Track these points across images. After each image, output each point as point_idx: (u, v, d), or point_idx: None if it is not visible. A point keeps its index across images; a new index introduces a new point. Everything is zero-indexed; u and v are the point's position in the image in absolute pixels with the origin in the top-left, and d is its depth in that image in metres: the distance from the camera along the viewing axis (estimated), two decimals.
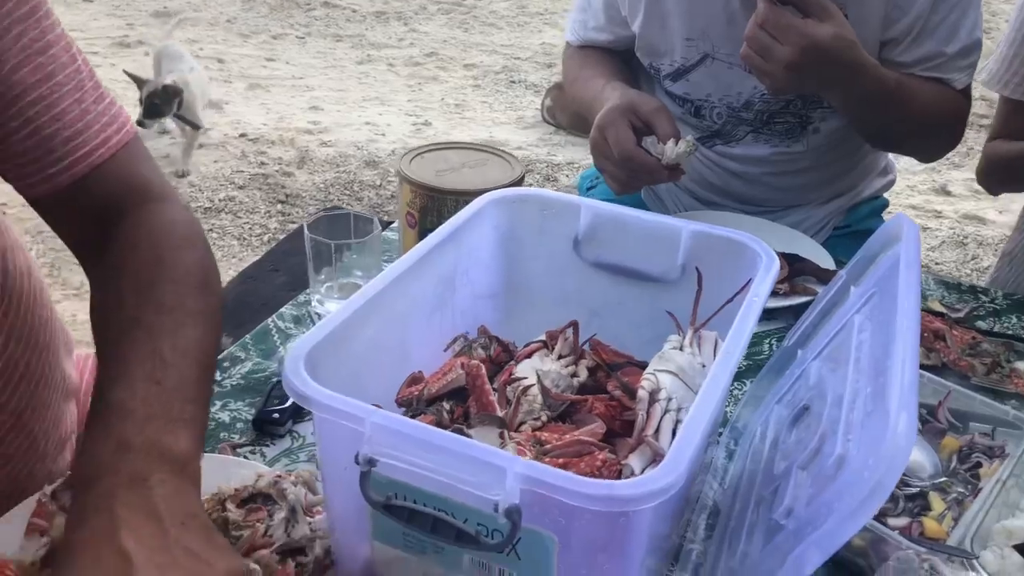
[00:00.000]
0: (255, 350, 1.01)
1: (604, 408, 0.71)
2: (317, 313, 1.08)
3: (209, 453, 0.73)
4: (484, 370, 0.71)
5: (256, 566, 0.62)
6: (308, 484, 0.75)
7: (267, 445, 0.87)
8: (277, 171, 3.47)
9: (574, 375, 0.77)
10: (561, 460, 0.63)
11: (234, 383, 0.95)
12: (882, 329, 0.65)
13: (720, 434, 0.88)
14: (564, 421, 0.72)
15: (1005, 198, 2.92)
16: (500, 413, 0.70)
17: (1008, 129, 1.36)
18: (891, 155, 1.50)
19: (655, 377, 0.68)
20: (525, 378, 0.73)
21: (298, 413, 0.90)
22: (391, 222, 1.31)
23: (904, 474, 0.72)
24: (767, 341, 1.07)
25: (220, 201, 3.22)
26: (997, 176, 1.39)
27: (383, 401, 0.68)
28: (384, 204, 3.27)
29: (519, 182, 1.08)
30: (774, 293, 1.07)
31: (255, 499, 0.74)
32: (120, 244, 0.71)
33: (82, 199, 0.73)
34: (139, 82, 3.29)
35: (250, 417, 0.90)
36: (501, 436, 0.66)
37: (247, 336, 1.04)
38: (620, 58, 1.39)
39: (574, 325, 0.79)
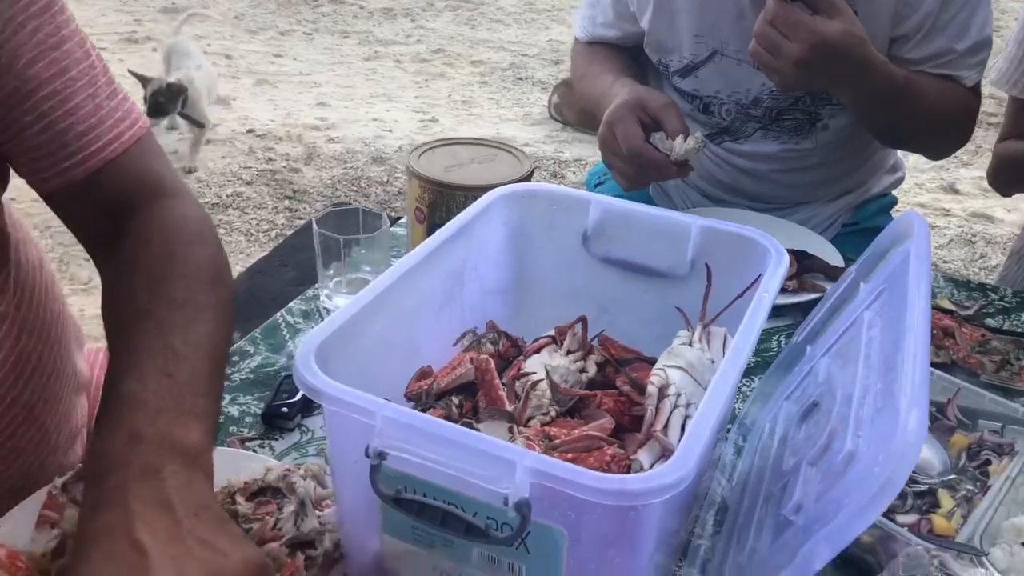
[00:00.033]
0: (264, 344, 1.02)
1: (613, 403, 0.71)
2: (326, 308, 1.08)
3: (218, 447, 0.73)
4: (493, 364, 0.72)
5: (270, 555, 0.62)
6: (317, 478, 0.76)
7: (276, 439, 0.87)
8: (284, 167, 3.47)
9: (583, 370, 0.77)
10: (570, 455, 0.63)
11: (243, 377, 0.96)
12: (892, 326, 0.65)
13: (728, 430, 0.88)
14: (573, 416, 0.72)
15: (1014, 196, 2.91)
16: (509, 408, 0.70)
17: (1019, 129, 1.35)
18: (900, 153, 1.50)
19: (664, 372, 0.68)
20: (534, 373, 0.73)
21: (307, 407, 0.90)
22: (399, 218, 1.31)
23: (913, 471, 0.72)
24: (775, 338, 1.07)
25: (227, 197, 3.23)
26: (1008, 177, 1.39)
27: (392, 395, 0.69)
28: (391, 200, 3.27)
29: (528, 178, 1.08)
30: (782, 290, 1.07)
31: (264, 492, 0.74)
32: (132, 240, 0.71)
33: (95, 194, 0.73)
34: (143, 80, 3.30)
35: (259, 411, 0.90)
36: (510, 431, 0.66)
37: (256, 330, 1.04)
38: (629, 54, 1.38)
39: (583, 320, 0.79)
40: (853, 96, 1.17)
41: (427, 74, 4.57)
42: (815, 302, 0.92)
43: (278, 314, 1.08)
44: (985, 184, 1.57)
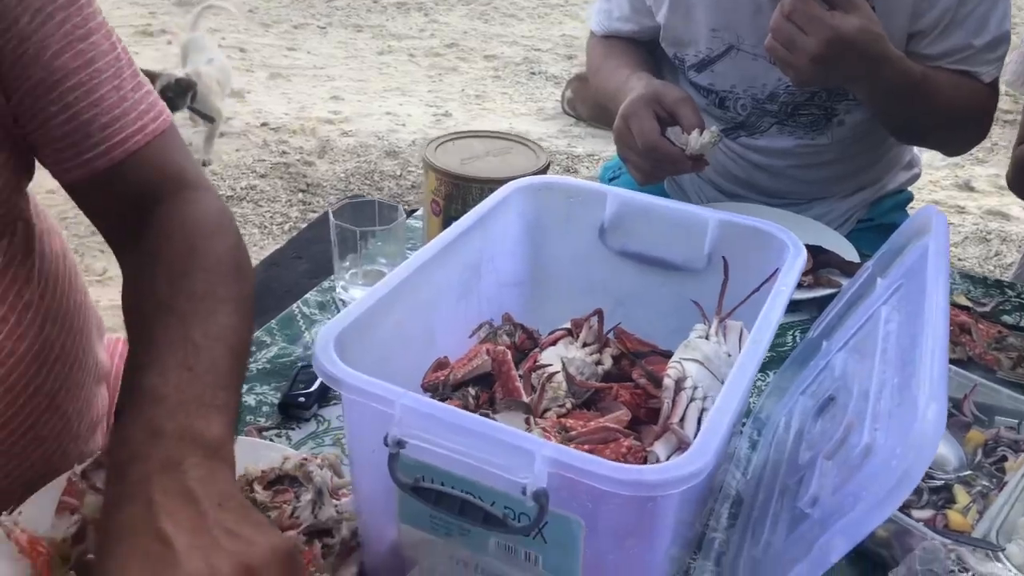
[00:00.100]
0: (280, 335, 1.02)
1: (629, 396, 0.71)
2: (341, 299, 1.09)
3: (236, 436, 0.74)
4: (510, 356, 0.72)
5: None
6: (334, 467, 0.76)
7: (293, 429, 0.88)
8: (298, 160, 3.48)
9: (599, 363, 0.77)
10: (586, 446, 0.63)
11: (260, 367, 0.96)
12: (910, 320, 0.65)
13: (743, 425, 0.88)
14: (588, 409, 0.72)
15: None
16: (526, 399, 0.70)
17: None
18: (915, 149, 1.49)
19: (681, 365, 0.68)
20: (550, 365, 0.74)
21: (323, 397, 0.91)
22: (415, 210, 1.32)
23: (929, 467, 0.72)
24: (790, 333, 1.07)
25: (241, 190, 3.24)
26: None
27: (408, 386, 0.68)
28: (404, 194, 3.28)
29: (544, 171, 1.08)
30: (798, 285, 1.07)
31: (282, 481, 0.75)
32: (154, 232, 0.72)
33: (118, 185, 0.73)
34: (152, 76, 3.31)
35: (276, 401, 0.91)
36: (527, 422, 0.67)
37: (272, 321, 1.05)
38: (644, 48, 1.38)
39: (599, 313, 0.79)
40: (869, 92, 1.17)
41: (440, 68, 4.57)
42: (830, 297, 0.92)
43: (294, 305, 1.08)
44: (1000, 182, 1.56)
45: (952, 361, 0.97)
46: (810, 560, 0.54)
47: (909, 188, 1.50)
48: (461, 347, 0.78)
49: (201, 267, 0.68)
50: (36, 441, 0.80)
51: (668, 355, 0.74)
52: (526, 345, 0.80)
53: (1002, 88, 1.33)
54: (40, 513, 0.70)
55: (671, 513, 0.57)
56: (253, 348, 0.99)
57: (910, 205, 1.50)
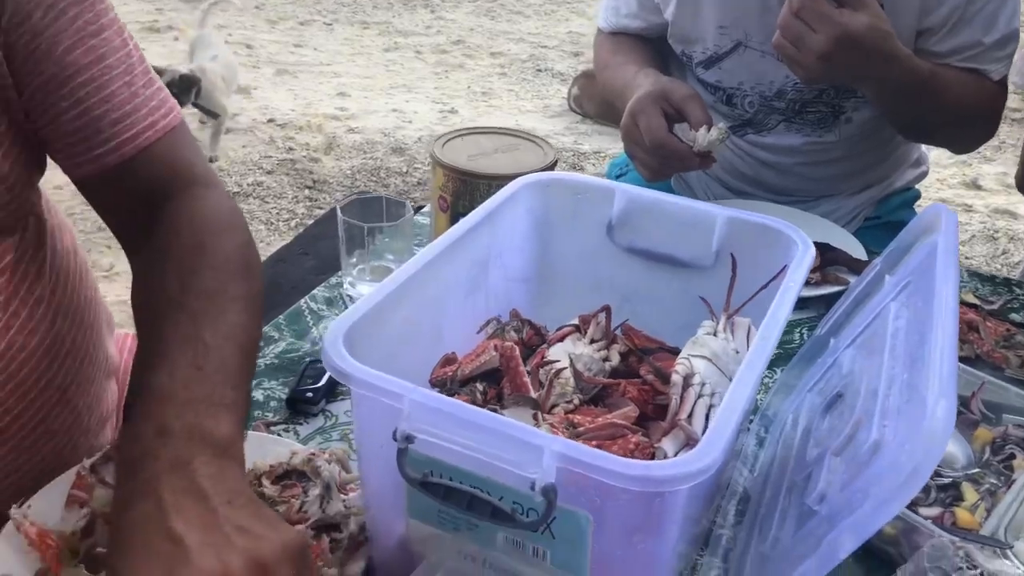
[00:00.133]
0: (288, 331, 1.03)
1: (636, 392, 0.72)
2: (349, 295, 1.09)
3: None
4: (518, 352, 0.72)
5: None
6: (342, 462, 0.77)
7: (300, 424, 0.88)
8: (304, 157, 3.48)
9: (606, 359, 0.77)
10: (594, 442, 0.63)
11: (268, 363, 0.97)
12: (919, 318, 0.65)
13: (751, 421, 0.88)
14: (596, 405, 0.72)
15: None
16: (533, 395, 0.70)
17: None
18: (923, 147, 1.49)
19: (689, 362, 0.68)
20: (558, 361, 0.74)
21: (331, 392, 0.91)
22: (422, 206, 1.32)
23: (937, 464, 0.72)
24: (798, 330, 1.06)
25: (248, 186, 3.25)
26: None
27: (417, 381, 0.69)
28: (410, 191, 3.28)
29: (552, 167, 1.08)
30: (805, 282, 1.07)
31: (290, 476, 0.75)
32: (164, 229, 0.72)
33: (128, 181, 0.74)
34: (157, 73, 3.31)
35: (284, 396, 0.91)
36: (535, 417, 0.67)
37: (280, 317, 1.05)
38: (652, 45, 1.38)
39: (606, 310, 0.79)
40: (877, 90, 1.16)
41: (447, 65, 4.57)
42: (838, 295, 0.92)
43: (302, 301, 1.09)
44: (1008, 180, 1.56)
45: (960, 359, 0.96)
46: (818, 557, 0.54)
47: (917, 186, 1.50)
48: (469, 343, 0.78)
49: (210, 265, 0.69)
50: (47, 435, 0.81)
51: (676, 352, 0.74)
52: (534, 341, 0.81)
53: (1010, 86, 1.33)
54: (49, 506, 0.70)
55: (679, 509, 0.57)
56: (261, 344, 0.99)
57: (917, 203, 1.50)
